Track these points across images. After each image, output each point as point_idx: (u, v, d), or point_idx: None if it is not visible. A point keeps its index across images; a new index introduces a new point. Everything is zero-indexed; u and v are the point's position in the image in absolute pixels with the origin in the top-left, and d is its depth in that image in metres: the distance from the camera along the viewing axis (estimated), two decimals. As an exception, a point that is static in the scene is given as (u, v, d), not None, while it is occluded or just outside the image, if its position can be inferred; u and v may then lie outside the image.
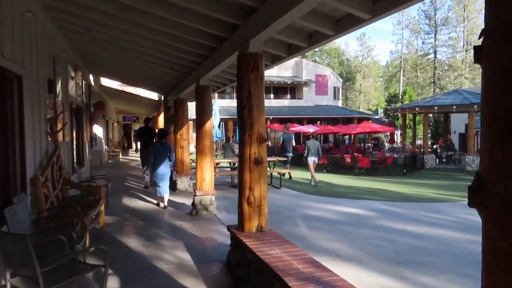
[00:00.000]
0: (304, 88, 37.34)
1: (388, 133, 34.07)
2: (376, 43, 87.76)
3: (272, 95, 36.06)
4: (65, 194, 6.58)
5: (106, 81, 17.61)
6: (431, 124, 38.78)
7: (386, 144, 37.99)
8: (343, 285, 3.08)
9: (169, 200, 9.21)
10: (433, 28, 57.14)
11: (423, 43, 59.77)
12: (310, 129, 23.12)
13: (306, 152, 14.00)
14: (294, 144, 18.67)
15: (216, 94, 24.92)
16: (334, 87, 39.75)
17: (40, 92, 5.91)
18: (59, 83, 7.39)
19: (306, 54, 55.45)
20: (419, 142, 31.72)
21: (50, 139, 6.38)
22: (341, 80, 45.31)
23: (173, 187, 10.94)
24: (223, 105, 30.26)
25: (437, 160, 22.84)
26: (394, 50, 76.24)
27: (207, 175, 8.04)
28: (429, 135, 32.37)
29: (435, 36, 57.06)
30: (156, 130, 11.76)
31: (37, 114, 5.73)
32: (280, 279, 3.24)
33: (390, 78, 71.12)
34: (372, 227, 7.47)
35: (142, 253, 5.61)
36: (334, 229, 7.36)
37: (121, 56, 8.93)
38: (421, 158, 21.50)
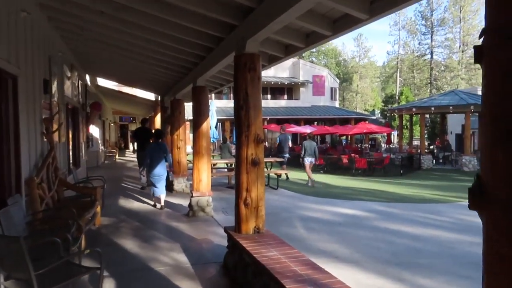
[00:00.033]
0: (301, 89, 37.37)
1: (385, 134, 34.19)
2: (372, 44, 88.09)
3: (269, 96, 36.06)
4: (60, 195, 6.53)
5: (102, 81, 17.54)
6: (427, 124, 38.89)
7: (383, 145, 38.09)
8: (341, 288, 3.06)
9: (166, 201, 9.17)
10: (429, 29, 57.34)
11: (419, 44, 60.03)
12: (307, 129, 23.10)
13: (302, 152, 13.99)
14: (290, 145, 18.70)
15: (213, 95, 24.94)
16: (331, 88, 39.78)
17: (35, 93, 5.87)
18: (55, 83, 7.34)
19: (303, 54, 55.48)
20: (415, 142, 31.88)
21: (45, 139, 6.33)
22: (338, 81, 45.32)
23: (170, 188, 10.91)
24: (220, 106, 30.26)
25: (434, 160, 22.87)
26: (390, 51, 76.35)
27: (204, 176, 8.01)
28: (426, 136, 32.44)
29: (431, 37, 57.26)
30: (153, 131, 11.72)
31: (32, 114, 5.69)
32: (277, 282, 3.21)
33: (386, 79, 71.27)
34: (369, 228, 7.46)
35: (138, 255, 5.57)
36: (332, 230, 7.33)
37: (118, 56, 8.88)
38: (418, 158, 21.54)
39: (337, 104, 41.82)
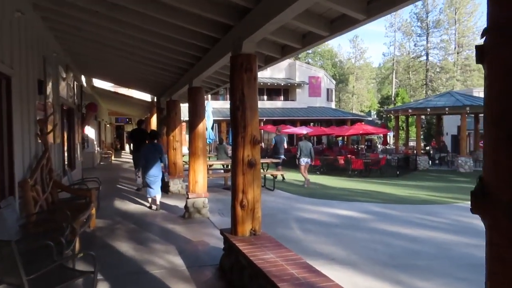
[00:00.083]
0: (297, 90, 37.36)
1: (381, 135, 34.17)
2: (368, 45, 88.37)
3: (265, 97, 36.02)
4: (55, 197, 6.46)
5: (98, 82, 17.46)
6: (423, 125, 38.98)
7: (379, 146, 38.10)
8: (339, 291, 3.02)
9: (161, 203, 9.12)
10: (425, 31, 57.53)
11: (415, 45, 60.21)
12: (303, 130, 23.09)
13: (298, 153, 13.99)
14: (286, 146, 18.69)
15: (209, 96, 24.88)
16: (327, 89, 39.82)
17: (29, 93, 5.80)
18: (50, 84, 7.27)
19: (299, 56, 55.54)
20: (411, 143, 31.90)
21: (40, 141, 6.26)
22: (334, 82, 45.39)
23: (165, 189, 10.85)
24: (216, 107, 30.18)
25: (430, 161, 22.91)
26: (386, 52, 77.01)
27: (200, 177, 7.96)
28: (422, 137, 32.50)
29: (427, 38, 57.45)
30: (149, 132, 11.67)
31: (26, 115, 5.62)
32: (274, 285, 3.16)
33: (382, 80, 71.45)
34: (366, 230, 7.43)
35: (134, 258, 5.51)
36: (328, 232, 7.30)
37: (114, 57, 8.82)
38: (414, 159, 21.56)
39: (333, 105, 41.86)
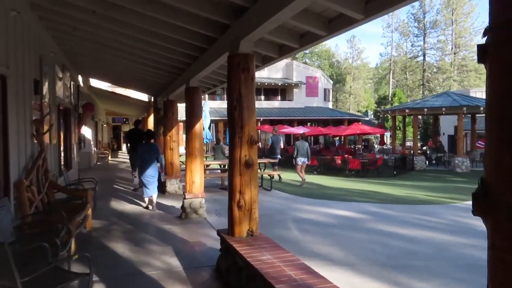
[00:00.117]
0: (295, 90, 37.36)
1: (378, 135, 34.24)
2: (365, 46, 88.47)
3: (262, 97, 36.01)
4: (50, 198, 6.41)
5: (95, 82, 17.41)
6: (420, 126, 39.04)
7: (376, 146, 38.15)
8: (337, 293, 2.99)
9: (158, 203, 9.09)
10: (422, 31, 57.59)
11: (412, 45, 60.23)
12: (300, 130, 23.07)
13: (295, 153, 14.01)
14: (282, 146, 18.71)
15: (206, 96, 24.82)
16: (324, 89, 39.83)
17: (25, 93, 5.75)
18: (46, 84, 7.22)
19: (297, 55, 55.51)
20: (408, 143, 31.96)
21: (35, 141, 6.21)
22: (331, 82, 45.40)
23: (162, 189, 10.81)
24: (213, 107, 30.15)
25: (427, 161, 22.94)
26: (383, 53, 77.06)
27: (197, 178, 7.92)
28: (419, 137, 32.54)
29: (424, 39, 57.51)
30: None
31: (22, 115, 5.57)
32: (271, 287, 3.13)
33: (379, 80, 71.53)
34: (364, 230, 7.41)
35: (130, 259, 5.47)
36: (326, 232, 7.28)
37: (111, 57, 8.78)
38: (411, 159, 21.58)
39: (330, 105, 41.88)
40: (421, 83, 57.89)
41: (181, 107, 10.30)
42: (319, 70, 43.31)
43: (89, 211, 6.79)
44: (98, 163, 21.54)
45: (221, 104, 32.34)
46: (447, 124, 30.40)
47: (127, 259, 5.48)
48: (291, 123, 32.04)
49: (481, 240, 6.63)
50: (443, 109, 21.24)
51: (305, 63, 57.86)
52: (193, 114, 7.70)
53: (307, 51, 65.91)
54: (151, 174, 8.72)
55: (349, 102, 67.66)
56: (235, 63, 4.45)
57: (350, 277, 4.94)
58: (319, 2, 3.59)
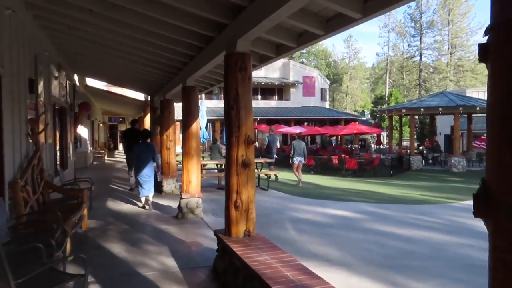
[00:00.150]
0: (292, 89, 37.34)
1: (375, 135, 34.27)
2: (362, 46, 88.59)
3: (259, 96, 35.96)
4: (46, 198, 6.36)
5: (91, 81, 17.32)
6: (417, 125, 39.11)
7: (373, 146, 38.21)
8: (334, 294, 2.97)
9: (155, 203, 9.05)
10: (418, 31, 57.71)
11: (408, 45, 60.37)
12: (297, 130, 23.06)
13: (292, 152, 14.04)
14: (278, 146, 18.71)
15: (203, 95, 24.76)
16: (321, 89, 39.83)
17: (20, 92, 5.70)
18: (41, 83, 7.16)
19: (293, 55, 55.56)
20: (405, 143, 32.00)
21: (31, 140, 6.16)
22: (328, 82, 45.42)
23: (159, 189, 10.77)
24: (210, 106, 30.07)
25: (423, 161, 22.99)
26: (380, 53, 77.33)
27: (194, 177, 7.89)
28: (415, 137, 32.62)
29: (420, 39, 57.63)
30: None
31: (17, 115, 5.52)
32: (269, 288, 3.11)
33: (376, 80, 71.65)
34: (361, 230, 7.40)
35: (126, 259, 5.43)
36: (323, 232, 7.26)
37: (107, 56, 8.72)
38: (407, 159, 21.62)
39: (327, 105, 41.89)
40: (418, 83, 58.03)
41: (178, 107, 10.26)
42: (316, 69, 43.28)
43: (85, 211, 6.75)
44: (94, 162, 21.46)
45: (218, 104, 32.27)
46: (443, 124, 30.48)
47: (123, 259, 5.44)
48: (288, 122, 32.03)
49: (478, 240, 6.64)
50: (440, 109, 21.29)
51: (302, 62, 57.86)
52: (190, 114, 7.67)
53: (304, 51, 65.98)
54: (147, 174, 8.70)
55: (346, 102, 67.74)
56: (232, 62, 4.43)
57: (347, 277, 4.93)
58: (317, 1, 3.57)
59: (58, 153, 9.64)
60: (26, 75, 6.08)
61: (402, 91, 58.71)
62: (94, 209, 8.37)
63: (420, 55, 58.01)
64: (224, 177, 4.83)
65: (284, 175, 15.52)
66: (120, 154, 28.59)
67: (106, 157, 23.93)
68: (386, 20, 61.51)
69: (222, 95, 30.87)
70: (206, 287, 4.55)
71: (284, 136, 33.01)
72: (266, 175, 12.91)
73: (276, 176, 14.69)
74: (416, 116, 30.29)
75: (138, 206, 9.05)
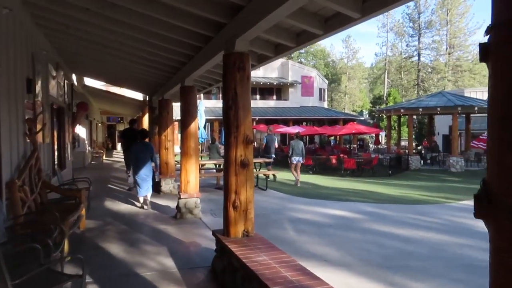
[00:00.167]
0: (290, 89, 37.34)
1: (373, 135, 34.31)
2: (361, 46, 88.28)
3: (258, 96, 35.96)
4: (43, 198, 6.33)
5: (89, 81, 17.28)
6: (415, 125, 39.15)
7: (371, 145, 38.24)
8: (333, 294, 2.96)
9: (153, 203, 9.04)
10: (417, 31, 57.76)
11: (407, 45, 60.39)
12: (296, 130, 23.06)
13: (290, 152, 14.07)
14: (277, 146, 18.71)
15: (201, 95, 24.73)
16: (320, 89, 39.85)
17: (17, 92, 5.67)
18: (39, 82, 7.14)
19: (292, 55, 55.54)
20: (403, 143, 32.05)
21: (28, 140, 6.14)
22: (326, 82, 45.42)
23: (157, 189, 10.76)
24: (208, 106, 30.08)
25: (422, 161, 23.01)
26: (378, 53, 77.27)
27: (192, 177, 7.87)
28: (414, 137, 32.66)
29: (419, 39, 57.68)
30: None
31: (14, 114, 5.49)
32: (267, 288, 3.10)
33: (374, 80, 71.70)
34: (359, 230, 7.39)
35: (124, 260, 5.41)
36: (322, 232, 7.25)
37: (105, 56, 8.70)
38: (406, 159, 21.63)
39: (325, 104, 41.91)
40: (416, 83, 58.08)
41: (176, 106, 10.24)
42: (314, 69, 43.29)
43: (83, 211, 6.73)
44: (92, 162, 21.42)
45: (217, 104, 32.27)
46: (441, 124, 30.53)
47: (121, 259, 5.42)
48: (286, 122, 32.04)
49: (476, 240, 6.64)
50: (438, 109, 21.32)
51: (301, 62, 57.89)
52: (188, 113, 7.65)
53: (302, 51, 65.97)
54: (145, 174, 8.69)
55: (344, 102, 67.75)
56: (230, 62, 4.41)
57: (346, 277, 4.92)
58: (316, 0, 3.55)
59: (56, 153, 9.62)
60: (23, 74, 6.05)
61: (401, 91, 58.77)
62: (92, 209, 8.35)
63: (419, 55, 58.07)
64: (223, 177, 4.82)
65: (283, 175, 15.51)
66: (118, 154, 28.54)
67: (104, 157, 23.88)
68: (384, 20, 61.59)
69: (220, 95, 30.90)
70: (204, 287, 4.54)
71: (283, 136, 33.01)
72: (264, 175, 12.90)
73: (274, 176, 14.68)
74: (415, 116, 30.35)
75: (137, 206, 9.03)
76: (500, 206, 1.27)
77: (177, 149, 12.03)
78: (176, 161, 11.45)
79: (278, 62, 35.90)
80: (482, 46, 1.35)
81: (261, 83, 34.86)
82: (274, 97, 37.50)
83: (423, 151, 25.43)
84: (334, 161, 18.91)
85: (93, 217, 7.83)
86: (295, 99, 37.07)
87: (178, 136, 19.80)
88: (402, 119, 28.10)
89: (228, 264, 4.28)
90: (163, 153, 11.24)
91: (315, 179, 15.75)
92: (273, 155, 16.14)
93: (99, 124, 29.59)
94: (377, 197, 11.54)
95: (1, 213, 4.25)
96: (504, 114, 1.25)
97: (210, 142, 15.49)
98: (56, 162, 9.56)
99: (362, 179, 16.60)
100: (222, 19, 4.63)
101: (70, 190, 7.30)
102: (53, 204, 6.40)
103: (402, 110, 23.50)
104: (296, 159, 13.91)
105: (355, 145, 32.42)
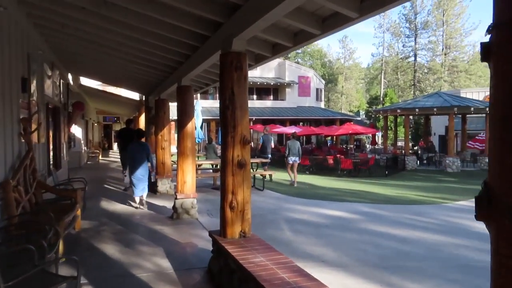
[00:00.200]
0: (287, 89, 37.35)
1: (370, 135, 34.34)
2: (357, 46, 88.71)
3: (255, 96, 35.95)
4: (38, 198, 6.28)
5: (85, 81, 17.21)
6: (411, 126, 39.21)
7: (368, 146, 38.29)
8: (331, 296, 2.94)
9: (149, 203, 9.00)
10: (413, 32, 57.87)
11: (403, 46, 60.47)
12: (292, 130, 23.05)
13: (287, 152, 14.09)
14: (273, 146, 18.71)
15: (198, 95, 24.69)
16: (317, 89, 39.86)
17: (12, 91, 5.62)
18: (34, 82, 7.08)
19: (289, 55, 55.53)
20: (400, 143, 32.11)
21: (23, 140, 6.08)
22: (323, 82, 45.43)
23: (153, 189, 10.71)
24: (205, 106, 30.03)
25: (418, 161, 23.05)
26: (375, 53, 77.44)
27: (189, 177, 7.84)
28: (410, 137, 32.71)
29: (415, 39, 57.80)
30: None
31: (9, 114, 5.44)
32: (264, 290, 3.07)
33: (371, 80, 71.80)
34: (356, 231, 7.38)
35: (120, 261, 5.37)
36: (319, 233, 7.24)
37: (101, 55, 8.65)
38: (402, 159, 21.66)
39: (322, 105, 41.92)
40: (412, 83, 58.20)
41: (173, 106, 10.20)
42: (311, 69, 43.33)
43: (79, 212, 6.69)
44: (88, 162, 21.32)
45: (213, 103, 32.25)
46: (438, 124, 30.58)
47: (117, 260, 5.38)
48: (283, 122, 32.03)
49: (472, 240, 6.64)
50: (434, 109, 21.35)
51: (298, 62, 57.87)
52: (185, 113, 7.62)
53: (299, 51, 65.97)
54: (141, 174, 8.66)
55: (341, 102, 67.82)
56: (227, 61, 4.38)
57: (343, 278, 4.90)
58: (314, 0, 3.53)
59: (51, 153, 9.55)
60: (18, 73, 6.00)
61: (397, 91, 58.91)
62: (88, 209, 8.30)
63: (415, 55, 58.20)
64: (220, 177, 4.79)
65: (280, 175, 15.50)
66: (114, 154, 28.45)
67: (100, 157, 23.80)
68: (381, 21, 61.67)
69: (217, 95, 30.89)
70: (201, 288, 4.51)
71: (280, 136, 33.00)
72: (261, 175, 12.88)
73: (270, 176, 14.67)
74: (411, 117, 30.36)
75: (133, 206, 8.99)
76: (500, 206, 1.25)
77: (174, 149, 12.00)
78: (172, 161, 11.41)
79: (275, 62, 35.90)
80: (483, 46, 1.33)
81: (258, 83, 34.84)
82: (271, 97, 37.50)
83: (419, 152, 25.47)
84: (330, 161, 18.90)
85: (89, 217, 7.78)
86: (292, 99, 37.07)
87: (174, 136, 19.76)
88: (398, 120, 28.11)
89: (224, 265, 4.26)
90: (160, 153, 11.19)
91: (312, 179, 15.74)
92: (270, 155, 16.16)
93: (95, 124, 29.48)
94: (373, 197, 11.54)
95: (-5, 213, 4.20)
96: (506, 115, 1.24)
97: (207, 142, 15.48)
98: (51, 162, 9.50)
99: (358, 179, 16.60)
100: (219, 18, 4.60)
101: (65, 190, 7.25)
102: (48, 205, 6.35)
103: (398, 111, 23.54)
104: (292, 159, 13.95)
105: (351, 146, 32.45)
